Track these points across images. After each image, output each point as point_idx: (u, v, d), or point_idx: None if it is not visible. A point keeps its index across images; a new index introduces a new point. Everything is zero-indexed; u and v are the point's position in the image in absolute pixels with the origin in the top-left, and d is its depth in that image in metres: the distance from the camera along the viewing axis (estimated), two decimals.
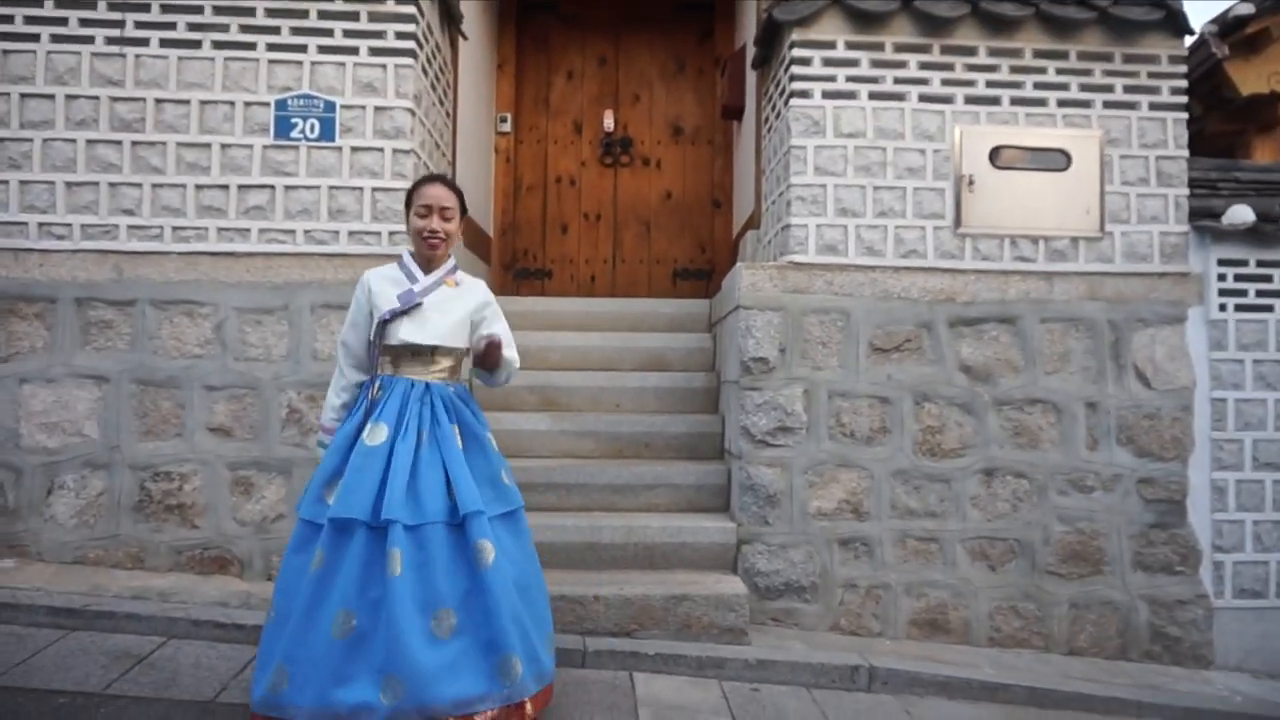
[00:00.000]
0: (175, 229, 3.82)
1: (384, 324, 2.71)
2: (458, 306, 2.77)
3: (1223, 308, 4.14)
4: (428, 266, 2.80)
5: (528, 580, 2.71)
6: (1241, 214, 4.06)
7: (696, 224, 6.44)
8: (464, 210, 2.83)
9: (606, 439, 4.52)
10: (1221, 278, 4.14)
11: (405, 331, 2.70)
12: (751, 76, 5.24)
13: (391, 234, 3.87)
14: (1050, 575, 4.03)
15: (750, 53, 5.19)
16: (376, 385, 2.73)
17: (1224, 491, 4.12)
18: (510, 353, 2.81)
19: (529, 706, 2.57)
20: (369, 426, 2.65)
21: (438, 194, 2.74)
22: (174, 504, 3.77)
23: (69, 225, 3.78)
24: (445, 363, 2.77)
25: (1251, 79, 4.78)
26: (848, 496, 3.99)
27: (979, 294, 4.08)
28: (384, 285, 2.77)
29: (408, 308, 2.70)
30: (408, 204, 2.80)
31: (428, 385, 2.70)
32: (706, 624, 3.63)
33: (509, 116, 6.35)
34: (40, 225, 3.77)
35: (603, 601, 3.60)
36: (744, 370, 3.99)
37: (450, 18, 4.52)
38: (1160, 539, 4.08)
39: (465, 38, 4.82)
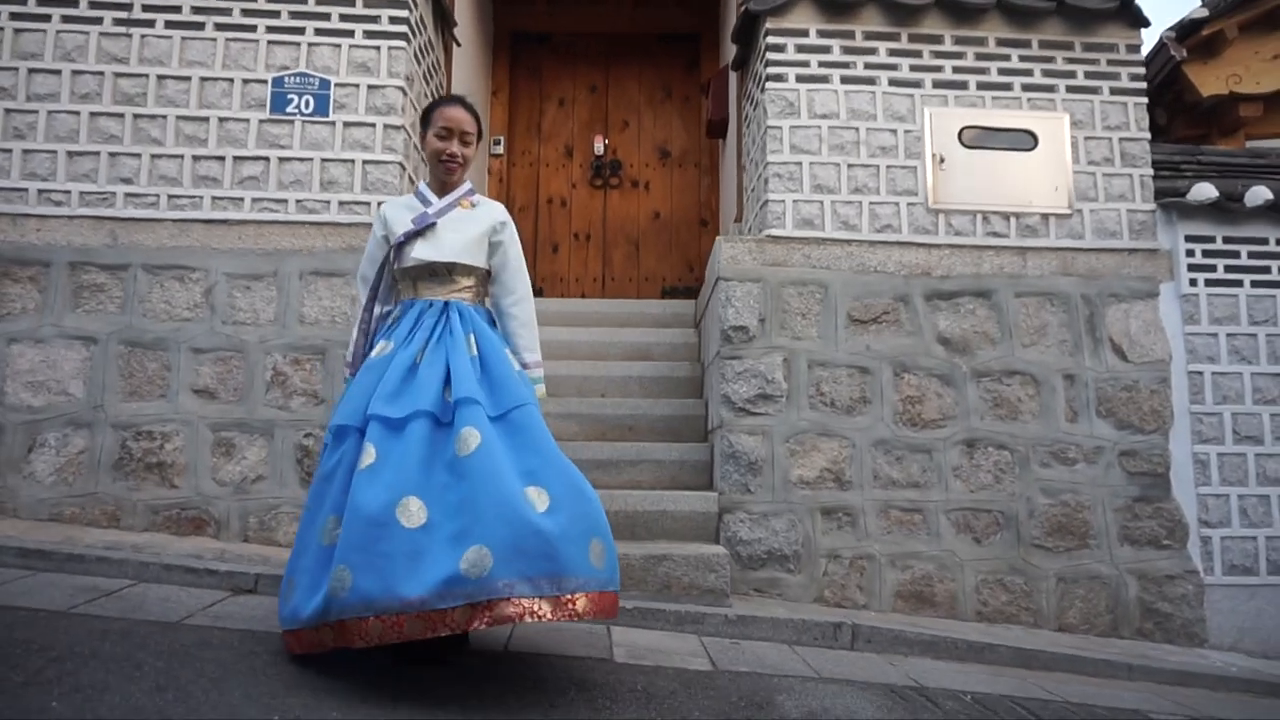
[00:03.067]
0: (171, 197, 3.94)
1: (400, 247, 2.66)
2: (473, 225, 2.70)
3: (1193, 283, 4.22)
4: (443, 190, 2.75)
5: (553, 472, 2.44)
6: (1205, 190, 4.19)
7: (684, 243, 6.60)
8: (481, 134, 2.80)
9: (591, 421, 4.53)
10: (1190, 253, 4.24)
11: (419, 251, 2.64)
12: (734, 91, 5.47)
13: (380, 205, 3.97)
14: (1036, 548, 3.99)
15: (732, 77, 5.44)
16: (396, 310, 2.72)
17: (1206, 465, 4.12)
18: (523, 286, 2.78)
19: (506, 608, 2.21)
20: (378, 344, 2.65)
21: (459, 116, 2.69)
22: (154, 462, 3.76)
23: (68, 192, 3.90)
24: (464, 281, 2.69)
25: (1211, 81, 4.99)
26: (829, 465, 3.98)
27: (954, 268, 4.17)
28: (399, 212, 2.73)
29: (421, 228, 2.65)
30: (424, 122, 2.75)
31: (446, 302, 2.64)
32: (687, 584, 3.58)
33: (502, 140, 6.58)
34: (40, 192, 3.90)
35: None
36: (724, 339, 4.04)
37: (444, 19, 4.76)
38: (1146, 512, 4.05)
39: (458, 44, 5.06)
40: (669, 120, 6.75)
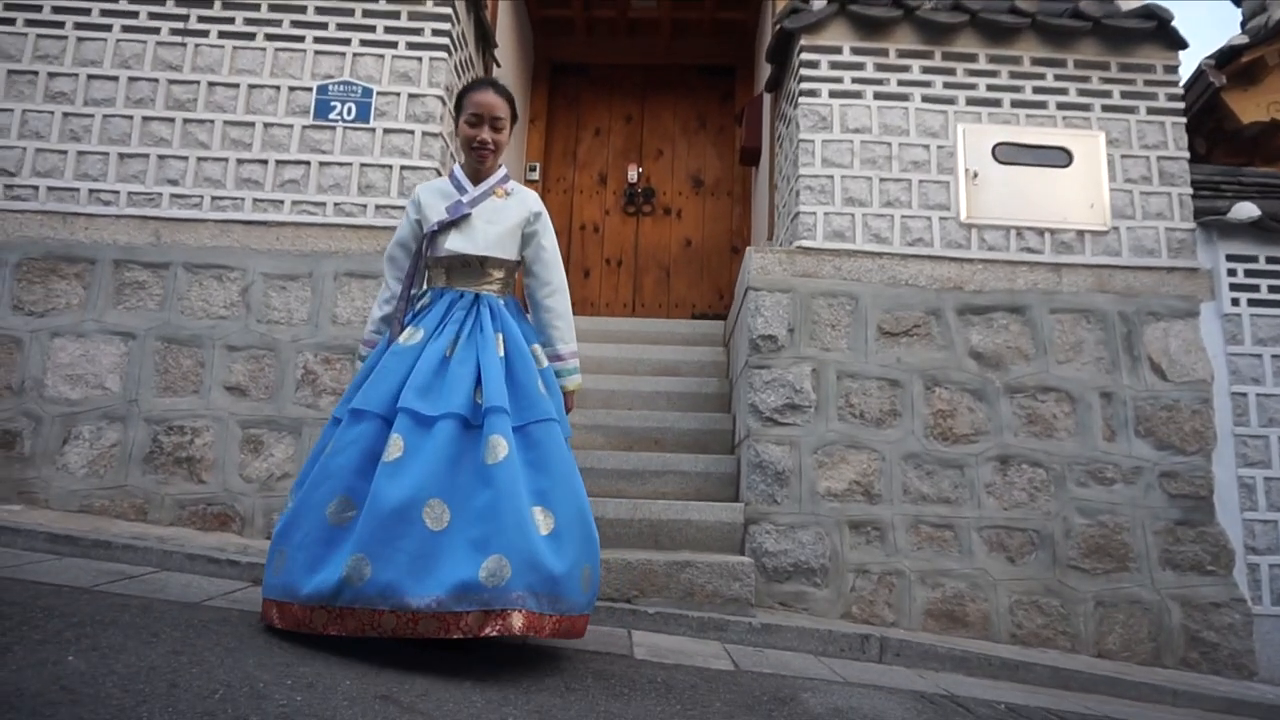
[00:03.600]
0: (214, 198, 4.04)
1: (433, 235, 2.63)
2: (507, 216, 2.67)
3: (1235, 302, 4.13)
4: (477, 177, 2.72)
5: (560, 496, 2.47)
6: (1246, 209, 4.13)
7: (715, 270, 6.61)
8: (515, 118, 2.79)
9: (618, 433, 4.51)
10: (1232, 273, 4.16)
11: (453, 243, 2.61)
12: (767, 115, 5.53)
13: (415, 187, 4.04)
14: (1073, 570, 3.86)
15: (766, 100, 5.51)
16: (425, 297, 2.69)
17: (1253, 489, 3.98)
18: (558, 277, 2.80)
19: (517, 620, 2.24)
20: (406, 330, 2.60)
21: (489, 101, 2.66)
22: (183, 456, 3.80)
23: (116, 192, 4.03)
24: (496, 274, 2.66)
25: (1251, 109, 4.95)
26: (858, 478, 3.91)
27: (986, 283, 4.13)
28: (433, 198, 2.70)
29: (455, 219, 2.62)
30: (457, 109, 2.72)
31: (477, 295, 2.62)
32: (710, 592, 3.51)
33: (538, 166, 6.69)
34: (91, 192, 4.02)
35: (604, 565, 3.49)
36: (753, 348, 4.02)
37: (485, 39, 4.89)
38: (1188, 536, 3.91)
39: (498, 65, 5.19)
40: (703, 150, 6.83)
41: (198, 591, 2.96)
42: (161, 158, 4.07)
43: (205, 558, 3.32)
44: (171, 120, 4.10)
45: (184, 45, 4.15)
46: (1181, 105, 4.33)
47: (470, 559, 2.27)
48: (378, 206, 4.08)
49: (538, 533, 2.36)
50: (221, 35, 4.17)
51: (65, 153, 4.05)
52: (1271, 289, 4.15)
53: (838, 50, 4.32)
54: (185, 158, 4.07)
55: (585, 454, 4.21)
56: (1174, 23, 4.30)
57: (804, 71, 4.31)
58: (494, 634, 2.24)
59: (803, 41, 4.34)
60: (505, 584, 2.26)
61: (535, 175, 6.67)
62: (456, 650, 2.48)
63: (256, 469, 3.81)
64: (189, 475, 3.79)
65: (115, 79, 4.12)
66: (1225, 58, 4.88)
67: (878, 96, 4.28)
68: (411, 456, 2.36)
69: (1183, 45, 4.35)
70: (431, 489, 2.33)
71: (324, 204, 4.06)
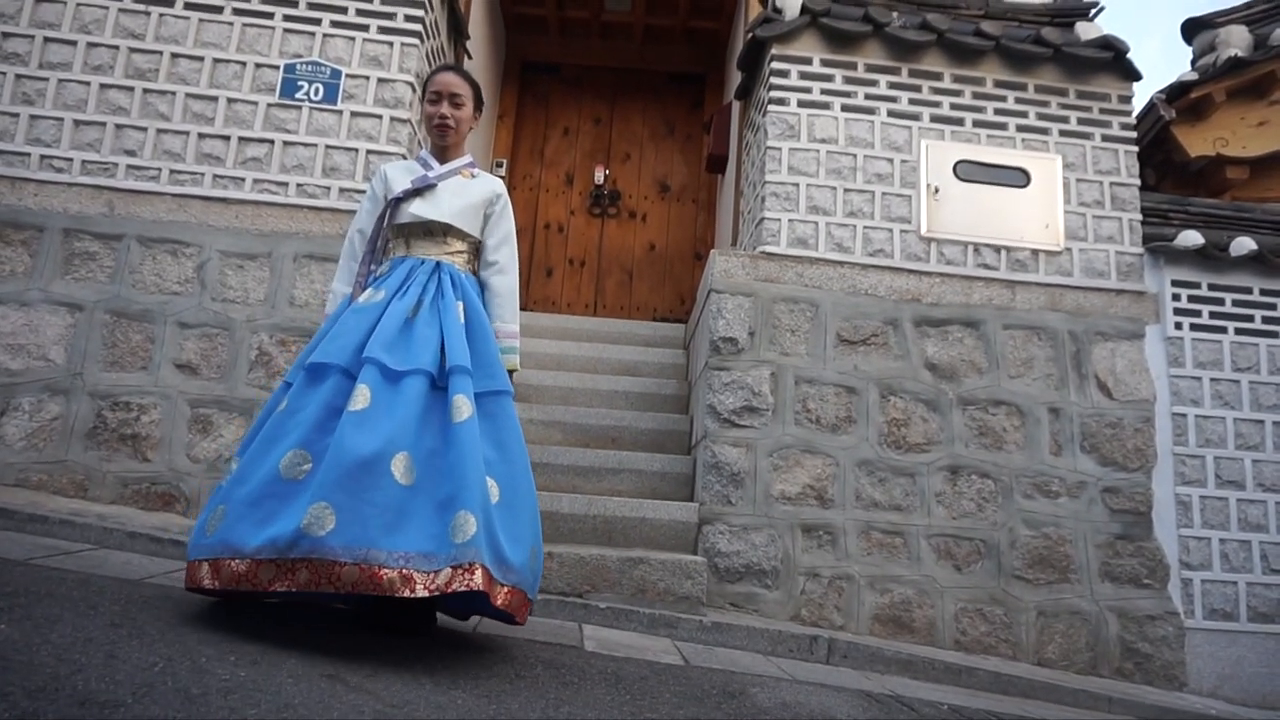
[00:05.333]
0: (172, 172, 3.95)
1: (396, 203, 2.65)
2: (472, 194, 2.73)
3: (1179, 326, 4.28)
4: (443, 157, 2.76)
5: (508, 470, 2.48)
6: (1192, 237, 4.28)
7: (678, 275, 6.65)
8: (479, 102, 2.82)
9: (575, 430, 4.49)
10: (1176, 298, 4.31)
11: (417, 208, 2.64)
12: (735, 123, 5.58)
13: (382, 164, 3.99)
14: (1017, 579, 3.95)
15: (735, 109, 5.56)
16: (385, 265, 2.68)
17: (1188, 507, 4.11)
18: (508, 258, 2.80)
19: (480, 575, 2.21)
20: (367, 291, 2.59)
21: (447, 80, 2.74)
22: (129, 434, 3.69)
23: (70, 160, 3.91)
24: (458, 245, 2.69)
25: (1198, 143, 5.13)
26: (812, 482, 3.95)
27: (944, 296, 4.21)
28: (399, 174, 2.74)
29: (420, 188, 2.66)
30: (422, 96, 2.79)
31: (438, 263, 2.64)
32: (662, 590, 3.51)
33: (505, 163, 6.66)
34: (42, 158, 3.90)
35: (556, 559, 3.48)
36: (713, 350, 4.04)
37: (458, 30, 4.87)
38: (1127, 550, 4.02)
39: (470, 56, 5.16)
40: (670, 156, 6.87)
41: (138, 569, 2.88)
42: (119, 127, 3.96)
43: (147, 536, 3.23)
44: (131, 89, 3.99)
45: (147, 14, 4.06)
46: (1134, 134, 4.48)
47: (439, 518, 2.25)
48: (342, 189, 4.02)
49: (491, 498, 2.36)
50: (187, 6, 4.08)
51: (17, 116, 3.93)
52: (1212, 315, 4.31)
53: (808, 61, 4.39)
54: (144, 128, 3.97)
55: (542, 449, 4.19)
56: (1130, 54, 4.45)
57: (774, 80, 4.37)
58: (460, 589, 2.21)
59: (774, 50, 4.40)
60: (471, 539, 2.24)
61: (502, 172, 6.64)
62: (404, 635, 2.45)
63: (205, 449, 3.72)
64: (133, 453, 3.69)
65: (74, 43, 4.00)
66: (1175, 93, 5.06)
67: (845, 109, 4.35)
68: (379, 408, 2.32)
69: (1137, 77, 4.51)
70: (400, 442, 2.29)
71: (286, 184, 3.99)
